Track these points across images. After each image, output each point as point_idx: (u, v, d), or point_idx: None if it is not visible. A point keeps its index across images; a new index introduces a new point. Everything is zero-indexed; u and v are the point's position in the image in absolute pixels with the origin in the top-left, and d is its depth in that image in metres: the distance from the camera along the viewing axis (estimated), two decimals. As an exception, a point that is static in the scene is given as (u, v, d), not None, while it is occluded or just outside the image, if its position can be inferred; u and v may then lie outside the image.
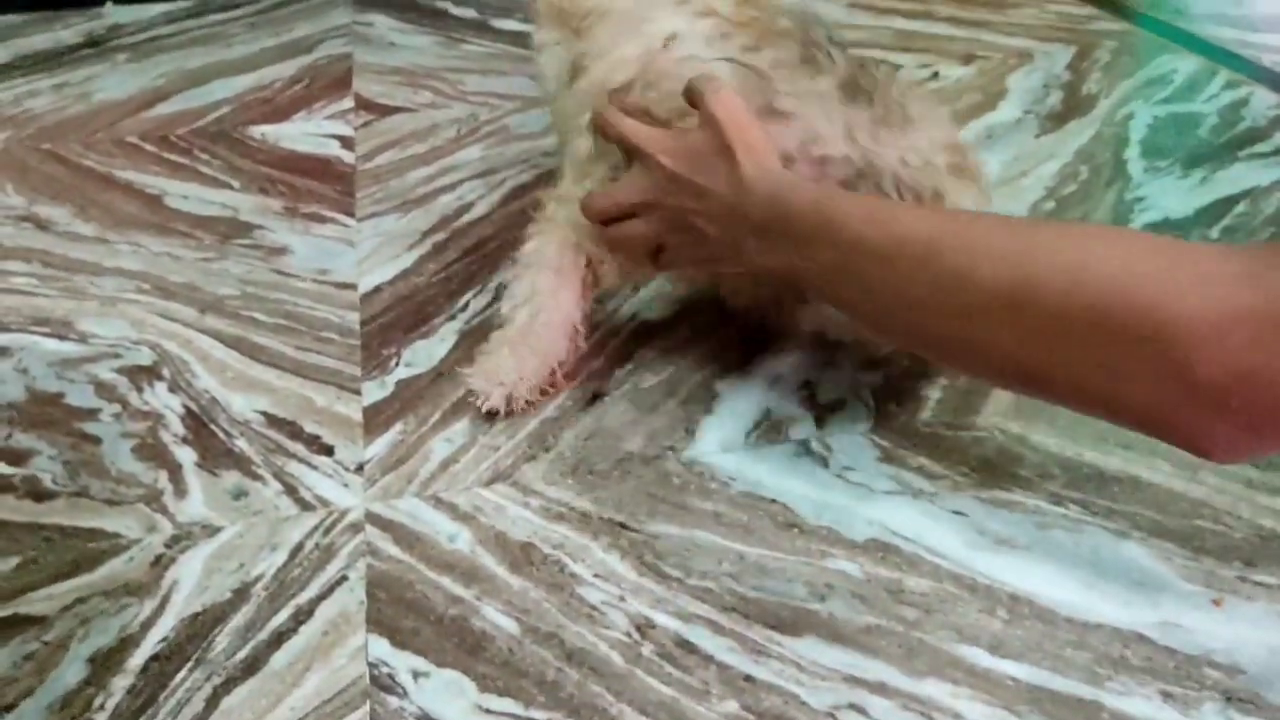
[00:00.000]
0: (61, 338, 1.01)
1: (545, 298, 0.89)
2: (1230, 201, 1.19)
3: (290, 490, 0.83)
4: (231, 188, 1.28)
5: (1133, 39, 1.71)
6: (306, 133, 1.42)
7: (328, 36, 1.75)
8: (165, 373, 0.96)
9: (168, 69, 1.63)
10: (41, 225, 1.20)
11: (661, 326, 1.02)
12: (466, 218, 1.21)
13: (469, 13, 1.82)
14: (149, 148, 1.38)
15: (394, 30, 1.79)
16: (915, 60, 1.61)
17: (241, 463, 0.86)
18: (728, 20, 0.87)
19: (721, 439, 0.88)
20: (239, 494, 0.83)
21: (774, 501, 0.81)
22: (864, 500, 0.81)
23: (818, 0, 1.88)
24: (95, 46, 1.73)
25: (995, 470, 0.84)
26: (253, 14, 1.86)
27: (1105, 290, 0.59)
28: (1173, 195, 1.21)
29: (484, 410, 0.89)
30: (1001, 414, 0.89)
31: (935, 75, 1.56)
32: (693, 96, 0.81)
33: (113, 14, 1.87)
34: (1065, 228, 0.71)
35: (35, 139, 1.41)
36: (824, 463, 0.85)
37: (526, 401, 0.89)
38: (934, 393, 0.92)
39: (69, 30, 1.79)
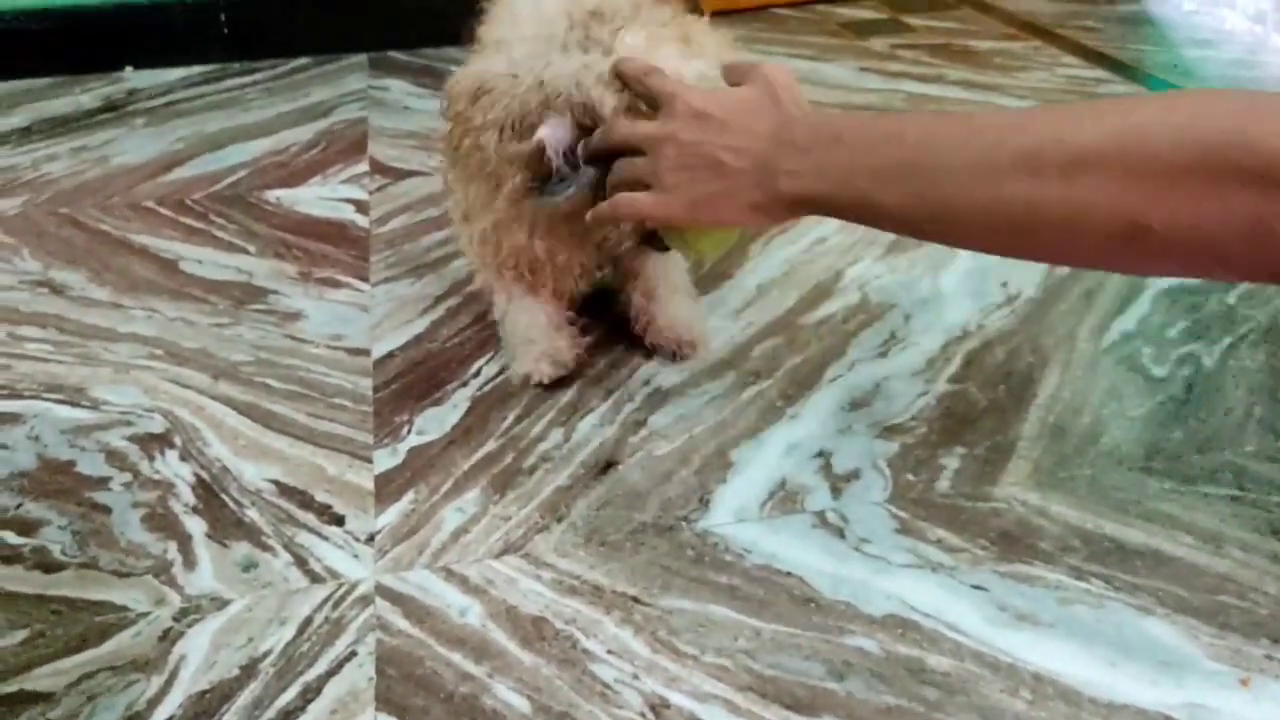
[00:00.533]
0: (74, 404, 1.01)
1: (513, 313, 1.04)
2: None
3: (300, 561, 0.82)
4: (247, 252, 1.29)
5: (1143, 102, 1.71)
6: (322, 197, 1.43)
7: (344, 101, 1.77)
8: (177, 440, 0.96)
9: (185, 133, 1.65)
10: (57, 290, 1.21)
11: (676, 392, 1.01)
12: (479, 282, 1.21)
13: (483, 77, 1.83)
14: (165, 212, 1.39)
15: (409, 94, 1.81)
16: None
17: (252, 533, 0.85)
18: None
19: (736, 508, 0.87)
20: (249, 565, 0.82)
21: (790, 575, 0.80)
22: (882, 574, 0.79)
23: (823, 64, 1.90)
24: (114, 111, 1.75)
25: (1015, 543, 0.82)
26: (270, 79, 1.88)
27: (1219, 130, 0.57)
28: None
29: (541, 382, 1.02)
30: (1020, 484, 0.88)
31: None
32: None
33: (132, 78, 1.90)
34: (1163, 95, 0.71)
35: (52, 203, 1.42)
36: (840, 534, 0.84)
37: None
38: (951, 462, 0.91)
39: (88, 94, 1.82)
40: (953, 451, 0.92)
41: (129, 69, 1.93)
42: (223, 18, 1.94)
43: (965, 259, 1.23)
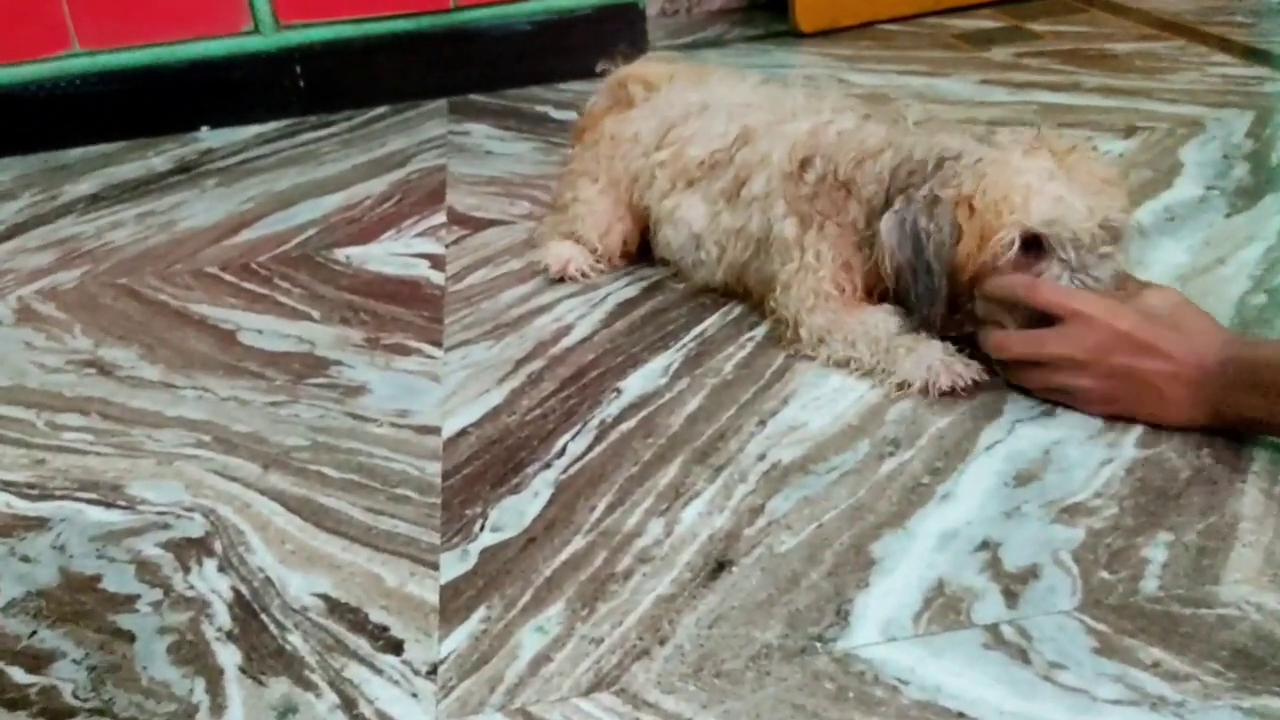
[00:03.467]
0: (108, 504, 0.88)
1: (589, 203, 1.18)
2: None
3: (348, 704, 0.67)
4: (311, 318, 1.16)
5: (1315, 99, 1.49)
6: (394, 253, 1.30)
7: (422, 149, 1.66)
8: (217, 546, 0.82)
9: (256, 192, 1.55)
10: (105, 370, 1.10)
11: (797, 468, 0.84)
12: (565, 342, 1.06)
13: (570, 115, 1.70)
14: (228, 278, 1.28)
15: (491, 138, 1.68)
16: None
17: (293, 665, 0.70)
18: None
19: (884, 622, 0.69)
20: (286, 710, 0.67)
21: (961, 716, 0.62)
22: (1085, 714, 0.61)
23: (940, 79, 1.72)
24: (186, 172, 1.66)
25: (1256, 664, 0.63)
26: (346, 130, 1.78)
27: None
28: None
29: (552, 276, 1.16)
30: (1251, 580, 0.69)
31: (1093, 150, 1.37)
32: (1125, 282, 0.88)
33: (207, 138, 1.82)
34: None
35: (111, 273, 1.32)
36: (1024, 657, 0.65)
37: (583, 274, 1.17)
38: (1156, 553, 0.72)
39: (161, 157, 1.74)
40: (1155, 539, 0.73)
41: (205, 129, 1.85)
42: (298, 70, 1.85)
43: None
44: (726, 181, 1.07)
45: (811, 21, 2.02)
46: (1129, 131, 1.42)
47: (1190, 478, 0.79)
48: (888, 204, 0.93)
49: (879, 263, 0.93)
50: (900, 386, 0.92)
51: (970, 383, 0.90)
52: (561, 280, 1.17)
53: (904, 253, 0.91)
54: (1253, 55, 1.70)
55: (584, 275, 1.17)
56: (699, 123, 1.13)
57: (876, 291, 0.98)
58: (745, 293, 1.08)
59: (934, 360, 0.91)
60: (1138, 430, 0.84)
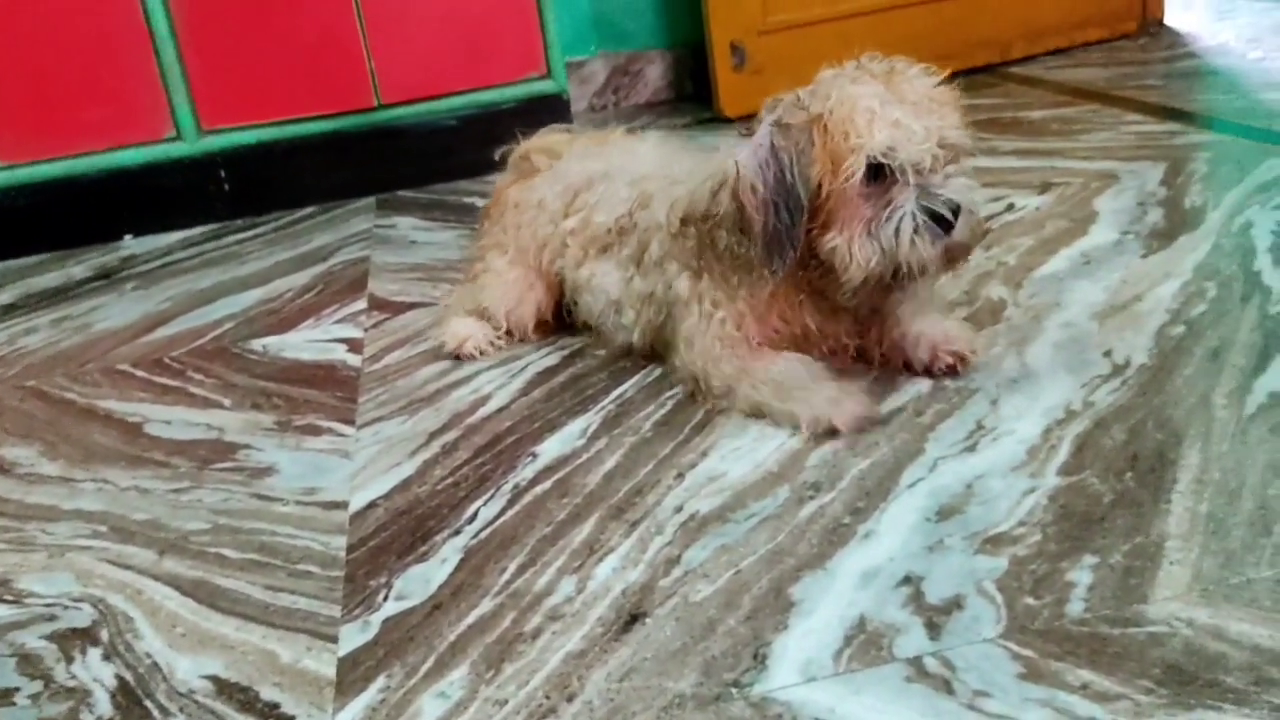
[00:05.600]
0: (-7, 600, 0.83)
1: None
2: (1406, 301, 0.97)
3: (230, 786, 0.62)
4: (222, 406, 1.13)
5: (1229, 148, 1.52)
6: (312, 340, 1.28)
7: (346, 243, 1.64)
8: (103, 635, 0.77)
9: (176, 292, 1.52)
10: (5, 469, 1.05)
11: (715, 517, 0.81)
12: (482, 412, 1.03)
13: (495, 203, 1.70)
14: (139, 374, 1.24)
15: (417, 229, 1.67)
16: (984, 195, 1.43)
17: (174, 750, 0.65)
18: None
19: (803, 663, 0.65)
20: (161, 797, 0.62)
21: (883, 752, 0.58)
22: (1011, 740, 0.57)
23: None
24: (106, 278, 1.63)
25: (1188, 679, 0.60)
26: (272, 231, 1.77)
27: None
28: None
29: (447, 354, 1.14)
30: (1180, 596, 0.66)
31: (1010, 207, 1.38)
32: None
33: (131, 245, 1.80)
34: None
35: (20, 377, 1.28)
36: (947, 688, 0.62)
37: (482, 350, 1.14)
38: (1081, 576, 0.69)
39: (82, 265, 1.71)
40: (1080, 563, 0.70)
41: (129, 237, 1.83)
42: (222, 174, 1.84)
43: (1053, 328, 1.03)
44: (632, 248, 1.07)
45: (735, 107, 2.05)
46: (1044, 188, 1.44)
47: (1114, 501, 0.76)
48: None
49: (742, 210, 0.91)
50: (795, 428, 0.91)
51: (858, 420, 0.89)
52: (457, 358, 1.14)
53: (767, 179, 0.89)
54: (1165, 113, 1.74)
55: (481, 353, 1.14)
56: (603, 188, 1.12)
57: (779, 335, 0.98)
58: (666, 353, 1.06)
59: (821, 401, 0.90)
60: (1061, 458, 0.82)
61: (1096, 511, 0.75)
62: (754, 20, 2.05)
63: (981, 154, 1.61)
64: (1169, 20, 2.34)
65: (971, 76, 2.14)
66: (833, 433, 0.89)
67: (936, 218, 0.87)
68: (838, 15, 2.08)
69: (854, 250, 0.88)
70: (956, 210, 0.87)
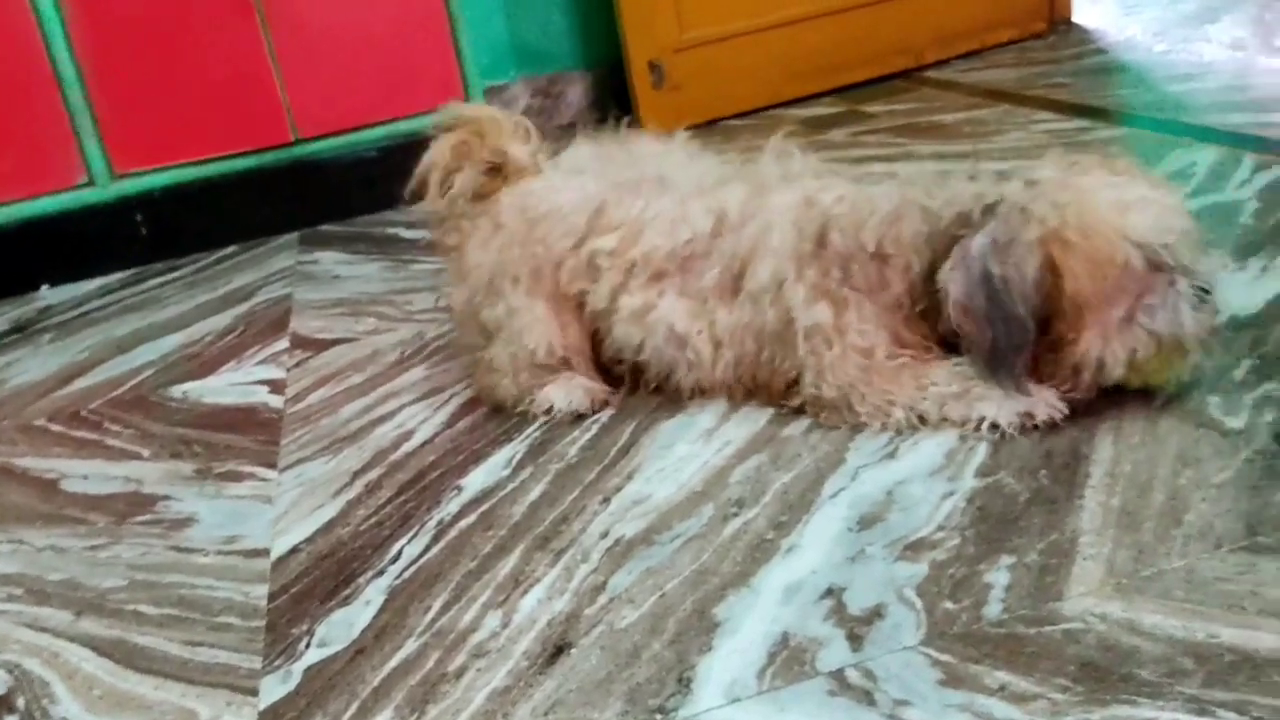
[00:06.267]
0: (-99, 675, 0.81)
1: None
2: (1304, 285, 1.00)
3: None
4: (140, 458, 1.10)
5: (1136, 141, 1.55)
6: (232, 384, 1.25)
7: (268, 282, 1.62)
8: (19, 703, 0.75)
9: (93, 342, 1.49)
10: (-86, 536, 1.02)
11: (640, 540, 0.81)
12: (405, 448, 1.02)
13: (420, 234, 1.68)
14: (55, 428, 1.21)
15: (340, 263, 1.65)
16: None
17: (89, 819, 0.64)
18: None
19: (727, 684, 0.65)
20: None
21: (807, 769, 0.58)
22: (932, 749, 0.58)
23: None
24: (21, 332, 1.59)
25: (1103, 674, 0.60)
26: (192, 273, 1.74)
27: None
28: (1233, 291, 1.01)
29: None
30: (1094, 592, 0.67)
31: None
32: None
33: (47, 296, 1.76)
34: None
35: (-70, 439, 1.24)
36: (869, 699, 0.62)
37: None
38: (999, 577, 0.70)
39: (-4, 320, 1.67)
40: (998, 563, 0.71)
41: (45, 287, 1.79)
42: (139, 218, 1.81)
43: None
44: (714, 278, 0.97)
45: (656, 124, 2.06)
46: (959, 189, 1.45)
47: (1030, 499, 0.77)
48: (933, 267, 0.87)
49: (945, 321, 0.87)
50: (993, 427, 0.86)
51: (1048, 407, 0.85)
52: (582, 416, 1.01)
53: (978, 304, 0.84)
54: (1075, 110, 1.78)
55: (604, 404, 1.02)
56: (646, 203, 1.00)
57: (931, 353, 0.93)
58: (753, 388, 0.98)
59: (1002, 398, 0.86)
60: (978, 459, 0.83)
61: (1013, 511, 0.76)
62: (670, 38, 2.06)
63: (899, 160, 1.65)
64: (1077, 18, 2.39)
65: (887, 83, 2.17)
66: (1032, 425, 0.85)
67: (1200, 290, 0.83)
68: (753, 29, 2.10)
69: (1114, 348, 0.83)
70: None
